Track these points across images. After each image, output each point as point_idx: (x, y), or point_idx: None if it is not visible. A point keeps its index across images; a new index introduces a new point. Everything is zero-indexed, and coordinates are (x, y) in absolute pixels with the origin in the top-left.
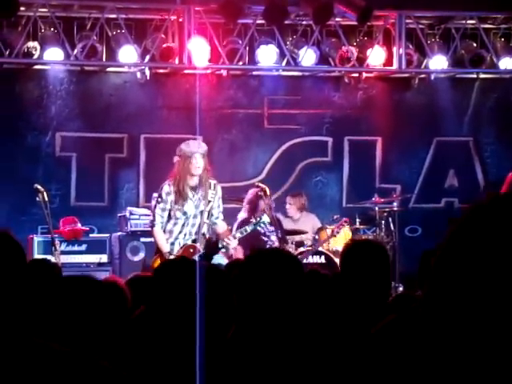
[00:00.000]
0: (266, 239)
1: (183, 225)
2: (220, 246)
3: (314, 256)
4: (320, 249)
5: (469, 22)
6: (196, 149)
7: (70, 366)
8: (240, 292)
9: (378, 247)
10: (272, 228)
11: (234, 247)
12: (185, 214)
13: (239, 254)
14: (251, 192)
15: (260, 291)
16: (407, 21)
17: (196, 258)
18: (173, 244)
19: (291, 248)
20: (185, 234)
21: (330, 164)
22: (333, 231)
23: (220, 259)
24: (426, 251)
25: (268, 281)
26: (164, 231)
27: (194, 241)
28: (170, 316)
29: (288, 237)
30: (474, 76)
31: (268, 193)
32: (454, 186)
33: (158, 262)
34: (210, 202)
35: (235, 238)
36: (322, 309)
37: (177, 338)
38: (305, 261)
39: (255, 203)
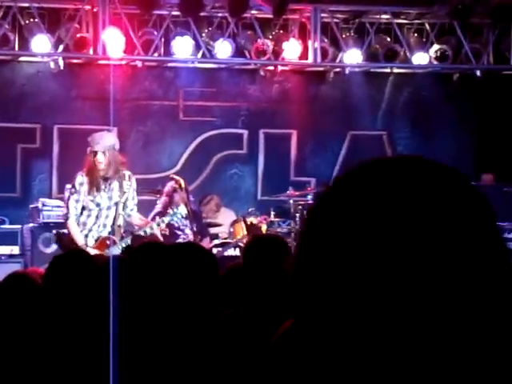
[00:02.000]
0: (179, 233)
1: (97, 216)
2: (142, 233)
3: (230, 249)
4: (234, 240)
5: (383, 16)
6: (96, 146)
7: None
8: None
9: (280, 243)
10: (187, 222)
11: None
12: (98, 205)
13: None
14: (168, 185)
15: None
16: (322, 14)
17: (112, 249)
18: (86, 236)
19: (206, 242)
20: (99, 226)
21: (245, 157)
22: (250, 227)
23: None
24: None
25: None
26: (78, 223)
27: (110, 232)
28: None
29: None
30: (388, 70)
31: (183, 185)
32: None
33: None
34: (124, 193)
35: (158, 225)
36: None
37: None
38: (220, 254)
39: (171, 196)
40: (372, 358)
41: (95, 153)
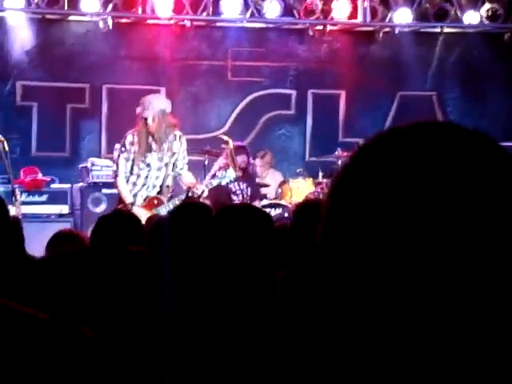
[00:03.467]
0: (234, 198)
1: (146, 177)
2: (189, 195)
3: (276, 209)
4: (282, 202)
5: None
6: (147, 110)
7: None
8: (210, 248)
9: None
10: (244, 185)
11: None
12: (148, 165)
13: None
14: (224, 148)
15: (229, 247)
16: None
17: (160, 209)
18: (135, 196)
19: (257, 203)
20: (148, 186)
21: (293, 117)
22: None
23: None
24: None
25: (237, 237)
26: (127, 182)
27: (159, 192)
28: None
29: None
30: (438, 30)
31: (231, 146)
32: None
33: None
34: (174, 153)
35: (205, 187)
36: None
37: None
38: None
39: (229, 158)
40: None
41: (146, 119)
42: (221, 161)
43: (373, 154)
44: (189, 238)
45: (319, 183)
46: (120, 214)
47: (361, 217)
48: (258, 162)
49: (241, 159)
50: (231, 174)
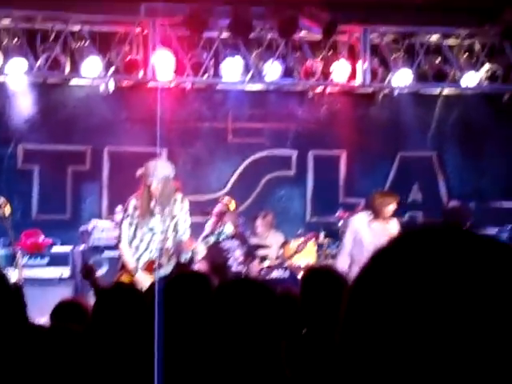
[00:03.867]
0: (229, 255)
1: (149, 241)
2: (187, 256)
3: (278, 270)
4: (284, 264)
5: (433, 37)
6: (150, 177)
7: None
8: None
9: (337, 278)
10: (236, 243)
11: (201, 257)
12: (151, 230)
13: (203, 268)
14: (217, 206)
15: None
16: (372, 35)
17: (158, 272)
18: (138, 260)
19: (256, 263)
20: (151, 250)
21: (293, 178)
22: (299, 246)
23: None
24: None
25: (238, 314)
26: (130, 246)
27: (159, 256)
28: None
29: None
30: (438, 92)
31: (233, 207)
32: (417, 200)
33: (123, 277)
34: (175, 216)
35: (206, 244)
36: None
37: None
38: (268, 276)
39: (220, 217)
40: None
41: (150, 181)
42: (213, 220)
43: (390, 260)
44: (185, 310)
45: (321, 244)
46: (121, 288)
47: (378, 322)
48: (259, 222)
49: (231, 218)
50: (228, 229)
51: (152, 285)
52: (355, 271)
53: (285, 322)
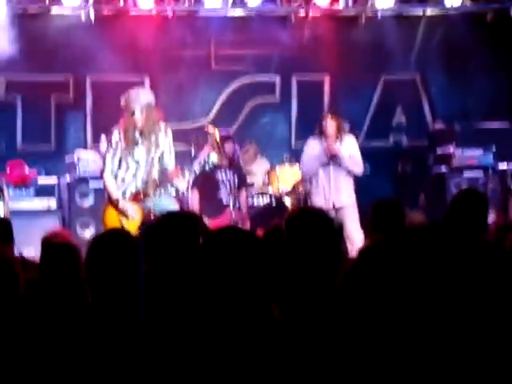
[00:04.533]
0: (221, 186)
1: (135, 172)
2: (170, 187)
3: (264, 197)
4: (269, 190)
5: None
6: (132, 104)
7: None
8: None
9: (325, 219)
10: (230, 173)
11: (185, 187)
12: (137, 162)
13: (194, 198)
14: (209, 135)
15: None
16: None
17: (146, 203)
18: (124, 192)
19: (243, 194)
20: (137, 181)
21: (278, 104)
22: (294, 187)
23: (172, 205)
24: (377, 202)
25: (225, 264)
26: (116, 178)
27: (145, 187)
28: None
29: None
30: (421, 13)
31: (217, 135)
32: (401, 123)
33: (110, 208)
34: (160, 145)
35: (184, 177)
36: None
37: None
38: (256, 203)
39: (212, 147)
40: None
41: (132, 111)
42: (206, 150)
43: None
44: (172, 252)
45: None
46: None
47: (370, 293)
48: (240, 157)
49: (227, 148)
50: (213, 158)
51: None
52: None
53: (271, 268)
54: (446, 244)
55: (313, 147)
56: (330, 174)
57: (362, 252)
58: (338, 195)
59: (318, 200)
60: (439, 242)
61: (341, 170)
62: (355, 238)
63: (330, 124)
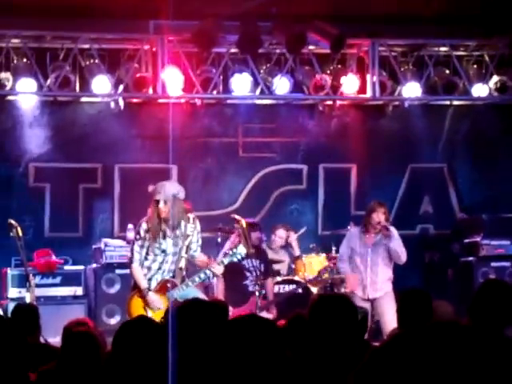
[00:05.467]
0: (248, 274)
1: (162, 262)
2: (205, 274)
3: (290, 285)
4: (296, 278)
5: (441, 49)
6: (158, 195)
7: None
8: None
9: (346, 302)
10: (257, 262)
11: (221, 272)
12: (163, 251)
13: (220, 286)
14: (236, 226)
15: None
16: (380, 48)
17: (173, 292)
18: (150, 280)
19: (270, 281)
20: (164, 271)
21: (305, 192)
22: (319, 273)
23: (196, 293)
24: (405, 292)
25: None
26: (142, 266)
27: (173, 275)
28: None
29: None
30: (448, 103)
31: (244, 225)
32: (428, 212)
33: (136, 298)
34: (188, 236)
35: (219, 265)
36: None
37: None
38: (281, 290)
39: (240, 236)
40: None
41: (158, 202)
42: (233, 239)
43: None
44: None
45: (333, 257)
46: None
47: None
48: (279, 232)
49: (254, 236)
50: (242, 250)
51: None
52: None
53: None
54: (467, 343)
55: (351, 238)
56: (367, 264)
57: (388, 340)
58: (374, 285)
59: (357, 290)
60: (461, 340)
61: (379, 260)
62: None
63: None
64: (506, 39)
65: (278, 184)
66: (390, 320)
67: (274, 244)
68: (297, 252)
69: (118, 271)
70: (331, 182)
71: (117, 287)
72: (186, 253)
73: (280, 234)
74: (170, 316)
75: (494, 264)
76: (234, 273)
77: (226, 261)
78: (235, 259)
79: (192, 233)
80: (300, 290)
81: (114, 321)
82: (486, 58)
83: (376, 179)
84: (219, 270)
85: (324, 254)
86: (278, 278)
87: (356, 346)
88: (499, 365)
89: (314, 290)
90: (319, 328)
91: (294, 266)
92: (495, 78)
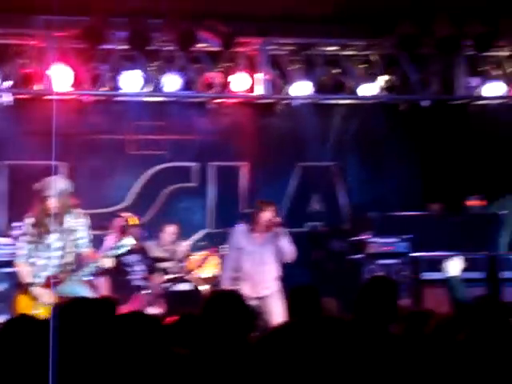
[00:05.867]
0: (129, 269)
1: (48, 257)
2: (92, 269)
3: (181, 284)
4: (186, 275)
5: (330, 48)
6: (47, 191)
7: None
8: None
9: (237, 299)
10: (138, 257)
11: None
12: (49, 246)
13: (104, 283)
14: (117, 220)
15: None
16: (270, 47)
17: (59, 288)
18: (37, 276)
19: (157, 276)
20: (50, 266)
21: (195, 189)
22: (201, 261)
23: (83, 290)
24: (294, 288)
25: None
26: (28, 263)
27: (59, 271)
28: None
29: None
30: (336, 102)
31: (131, 223)
32: (317, 210)
33: (23, 295)
34: (74, 231)
35: (106, 258)
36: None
37: None
38: (171, 288)
39: (121, 230)
40: None
41: (45, 197)
42: (116, 234)
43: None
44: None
45: (223, 255)
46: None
47: None
48: (166, 228)
49: (135, 232)
50: (127, 242)
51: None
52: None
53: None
54: (347, 337)
55: (238, 236)
56: (256, 263)
57: (270, 332)
58: (262, 284)
59: (245, 288)
60: (343, 334)
61: (267, 258)
62: None
63: (267, 213)
64: (394, 39)
65: (168, 182)
66: (277, 318)
67: (163, 241)
68: (185, 252)
69: (5, 269)
70: (221, 179)
71: (4, 285)
72: (74, 248)
73: (169, 232)
74: (52, 314)
75: (381, 261)
76: (117, 269)
77: (112, 253)
78: (120, 251)
79: (79, 228)
80: (190, 287)
81: (2, 319)
82: (374, 58)
83: (266, 177)
84: (107, 262)
85: (207, 251)
86: (168, 276)
87: (246, 342)
88: (380, 358)
89: (203, 287)
90: (211, 324)
91: (184, 264)
92: (383, 78)
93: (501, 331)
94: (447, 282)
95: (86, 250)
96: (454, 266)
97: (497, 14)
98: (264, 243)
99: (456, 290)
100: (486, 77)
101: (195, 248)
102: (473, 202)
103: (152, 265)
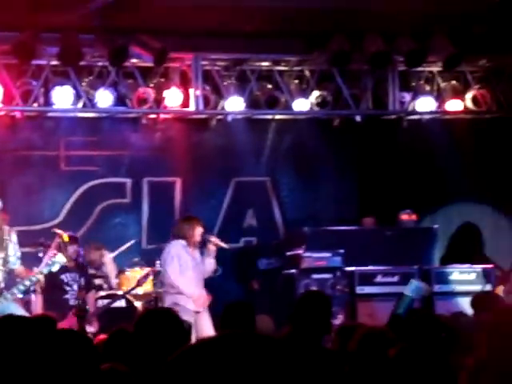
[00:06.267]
0: (68, 288)
1: None
2: (24, 286)
3: (114, 299)
4: (120, 292)
5: (263, 64)
6: None
7: None
8: None
9: (171, 316)
10: (76, 275)
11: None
12: None
13: (38, 301)
14: (55, 239)
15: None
16: (203, 62)
17: None
18: None
19: (92, 293)
20: None
21: (129, 205)
22: (139, 280)
23: (15, 307)
24: (228, 304)
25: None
26: None
27: None
28: None
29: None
30: (270, 117)
31: (66, 240)
32: (252, 225)
33: None
34: (4, 248)
35: (39, 275)
36: None
37: None
38: (104, 304)
39: (58, 249)
40: None
41: None
42: (51, 250)
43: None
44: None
45: (158, 272)
46: None
47: None
48: (89, 257)
49: (72, 250)
50: (60, 259)
51: None
52: None
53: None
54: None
55: (181, 251)
56: (198, 277)
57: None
58: (202, 298)
59: (189, 303)
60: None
61: (200, 273)
62: None
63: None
64: (326, 55)
65: (102, 198)
66: (208, 333)
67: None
68: (112, 271)
69: None
70: (155, 195)
71: None
72: (4, 266)
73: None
74: None
75: (315, 276)
76: (53, 287)
77: (46, 270)
78: (54, 268)
79: (8, 245)
80: (123, 304)
81: None
82: (307, 73)
83: (200, 193)
84: (39, 278)
85: (148, 268)
86: (101, 293)
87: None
88: (312, 374)
89: (138, 304)
90: (145, 341)
91: (117, 281)
92: (316, 93)
93: (432, 345)
94: (399, 296)
95: (17, 267)
96: (415, 288)
97: (428, 30)
98: (197, 258)
99: (399, 307)
100: (418, 92)
101: (130, 264)
102: (405, 216)
103: (89, 282)
